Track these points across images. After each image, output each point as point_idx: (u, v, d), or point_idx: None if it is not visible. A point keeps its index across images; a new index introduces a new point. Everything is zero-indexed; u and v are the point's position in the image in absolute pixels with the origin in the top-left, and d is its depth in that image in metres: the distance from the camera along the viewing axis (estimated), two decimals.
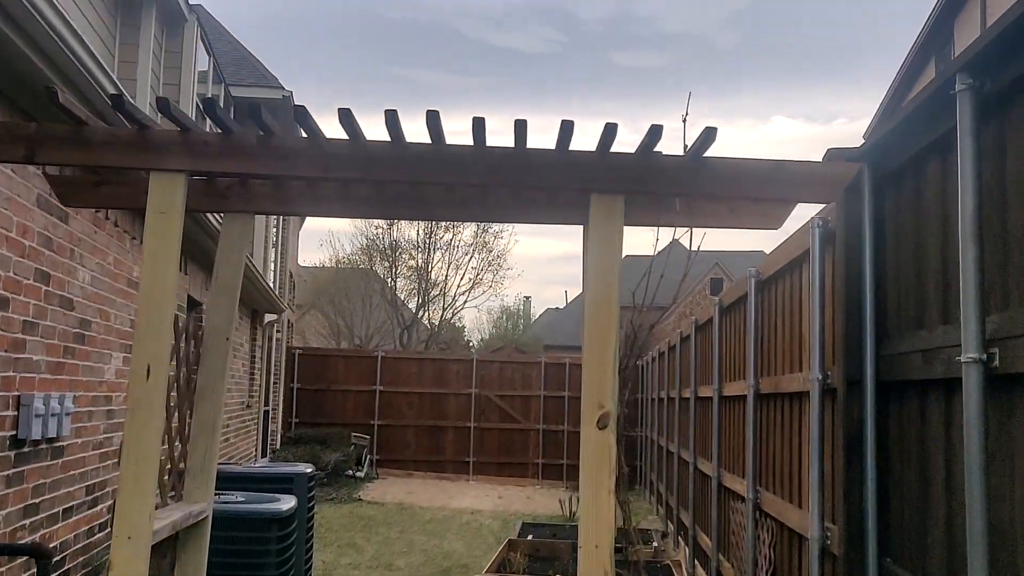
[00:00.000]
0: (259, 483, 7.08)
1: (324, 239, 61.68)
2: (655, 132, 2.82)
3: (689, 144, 3.05)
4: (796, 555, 5.77)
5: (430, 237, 33.42)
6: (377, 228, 33.91)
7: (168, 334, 3.01)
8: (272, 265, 18.79)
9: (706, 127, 2.76)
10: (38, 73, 4.33)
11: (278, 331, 19.80)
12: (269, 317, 16.84)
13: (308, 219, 30.92)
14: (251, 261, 11.98)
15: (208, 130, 3.23)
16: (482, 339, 44.62)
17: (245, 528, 5.90)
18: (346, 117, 2.85)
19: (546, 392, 21.74)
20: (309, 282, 36.27)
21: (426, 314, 34.86)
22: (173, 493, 4.00)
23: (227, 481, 7.11)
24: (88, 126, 2.94)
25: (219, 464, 9.15)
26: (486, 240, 33.70)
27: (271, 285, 15.01)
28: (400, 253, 34.02)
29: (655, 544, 11.60)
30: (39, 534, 5.17)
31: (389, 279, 34.14)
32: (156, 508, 3.21)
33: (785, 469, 6.10)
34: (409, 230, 34.29)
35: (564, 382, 21.77)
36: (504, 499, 18.08)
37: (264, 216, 16.57)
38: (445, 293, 34.42)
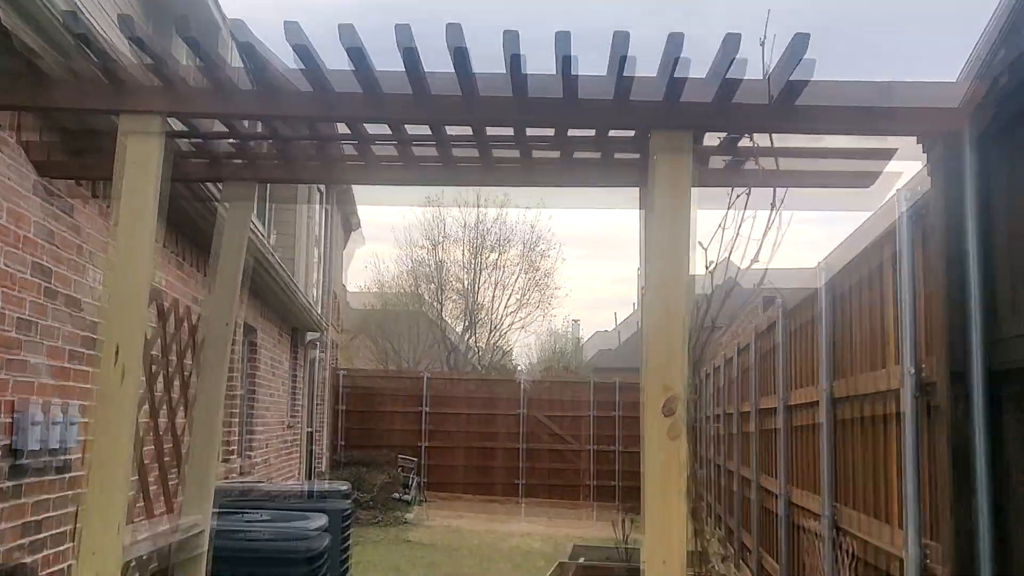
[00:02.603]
0: (289, 509, 6.56)
1: (369, 262, 61.58)
2: (729, 44, 2.25)
3: (770, 72, 2.48)
4: None
5: (476, 257, 33.04)
6: (422, 249, 33.61)
7: (142, 312, 2.52)
8: (314, 289, 18.40)
9: (796, 34, 2.20)
10: None
11: (322, 352, 19.43)
12: (311, 335, 16.45)
13: (355, 247, 30.66)
14: (290, 275, 11.58)
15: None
16: (531, 364, 43.96)
17: (272, 567, 5.37)
18: (349, 36, 2.34)
19: (596, 413, 21.08)
20: (357, 308, 36.08)
21: (473, 337, 34.42)
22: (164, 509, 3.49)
23: (254, 506, 6.61)
24: (42, 59, 2.47)
25: (249, 485, 8.67)
26: (532, 259, 33.25)
27: (311, 303, 14.62)
28: (447, 277, 33.68)
29: (715, 567, 10.88)
30: (42, 555, 4.71)
31: (433, 301, 33.78)
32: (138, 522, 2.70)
33: (868, 481, 5.44)
34: (455, 250, 33.94)
35: (614, 403, 21.10)
36: (555, 522, 17.42)
37: (307, 228, 16.19)
38: (492, 316, 33.98)
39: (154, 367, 3.24)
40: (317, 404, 19.13)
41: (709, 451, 16.39)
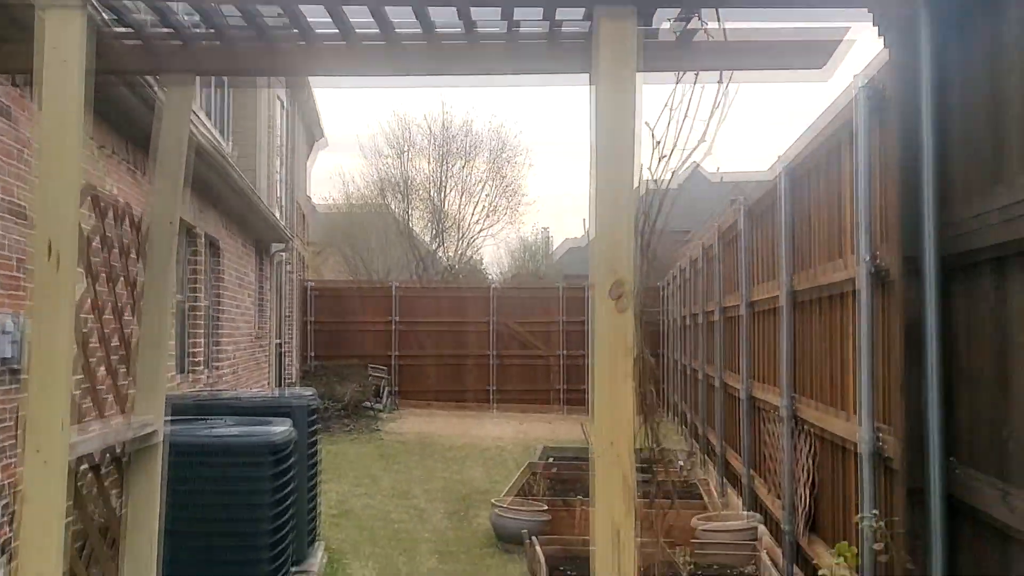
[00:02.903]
0: (253, 414, 6.58)
1: (335, 174, 61.17)
2: None
3: None
4: (840, 464, 5.23)
5: (442, 166, 32.77)
6: (387, 158, 33.26)
7: (74, 204, 2.44)
8: (278, 201, 18.14)
9: None
10: None
11: (289, 265, 19.31)
12: (276, 248, 16.31)
13: (320, 156, 30.25)
14: (252, 186, 11.41)
15: None
16: (501, 273, 44.02)
17: (235, 458, 5.42)
18: None
19: (566, 319, 21.22)
20: (325, 222, 35.82)
21: (442, 247, 34.35)
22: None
23: (217, 411, 6.63)
24: None
25: (213, 392, 8.68)
26: (499, 166, 33.04)
27: (273, 214, 14.44)
28: (414, 187, 33.40)
29: (680, 464, 11.12)
30: (1, 464, 4.70)
31: (401, 212, 33.55)
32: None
33: (824, 373, 5.53)
34: (421, 160, 33.59)
35: (584, 309, 21.23)
36: (526, 427, 17.69)
37: (268, 138, 15.90)
38: (460, 225, 33.85)
39: (97, 269, 3.17)
40: (286, 316, 19.10)
41: (676, 351, 16.62)
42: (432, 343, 21.11)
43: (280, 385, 17.70)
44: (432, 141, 32.62)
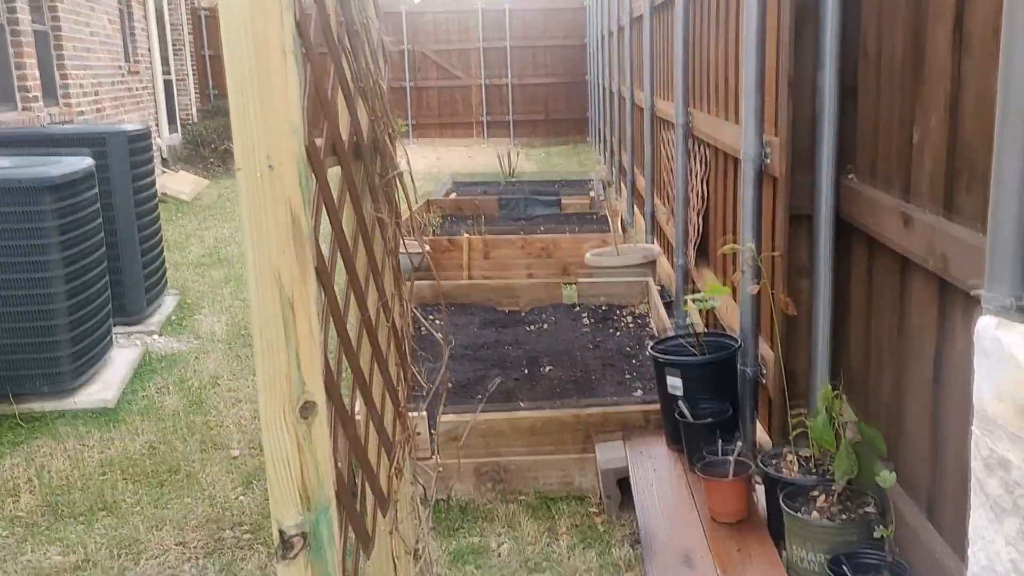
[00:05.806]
0: (56, 146, 5.57)
1: None
2: None
3: None
4: (731, 180, 4.44)
5: None
6: None
7: None
8: None
9: None
10: None
11: None
12: None
13: None
14: None
15: None
16: None
17: (5, 199, 4.48)
18: None
19: (485, 44, 19.72)
20: None
21: None
22: None
23: (13, 145, 5.61)
24: None
25: (15, 127, 7.55)
26: None
27: None
28: None
29: (592, 194, 10.39)
30: None
31: None
32: None
33: (720, 78, 4.62)
34: None
35: (504, 29, 19.73)
36: (443, 160, 16.79)
37: None
38: None
39: None
40: (176, 49, 17.38)
41: (599, 74, 15.52)
42: None
43: (174, 125, 16.35)
44: None
